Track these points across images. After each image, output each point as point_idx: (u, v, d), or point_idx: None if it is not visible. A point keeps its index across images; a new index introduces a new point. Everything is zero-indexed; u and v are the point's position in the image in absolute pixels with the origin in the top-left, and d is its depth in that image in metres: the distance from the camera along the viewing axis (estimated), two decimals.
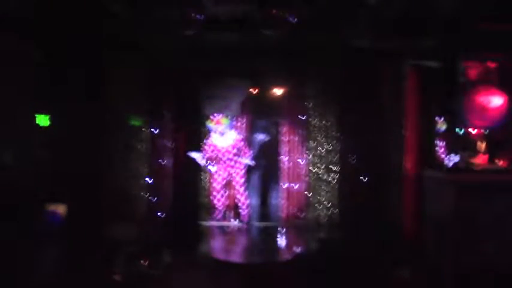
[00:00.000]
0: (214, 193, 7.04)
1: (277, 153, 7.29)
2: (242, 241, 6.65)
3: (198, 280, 4.78)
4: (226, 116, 6.84)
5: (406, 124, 6.07)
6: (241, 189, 7.03)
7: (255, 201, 7.84)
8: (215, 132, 6.84)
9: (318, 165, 6.83)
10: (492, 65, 5.30)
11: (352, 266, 4.93)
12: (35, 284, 4.42)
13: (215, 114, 6.80)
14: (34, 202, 5.23)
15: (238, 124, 7.40)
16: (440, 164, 5.46)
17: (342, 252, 5.42)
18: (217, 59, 6.26)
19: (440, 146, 5.99)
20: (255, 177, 7.92)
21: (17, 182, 5.11)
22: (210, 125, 6.81)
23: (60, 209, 5.16)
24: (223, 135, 6.84)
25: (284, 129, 7.17)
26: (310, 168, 6.89)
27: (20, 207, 5.00)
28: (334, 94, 6.70)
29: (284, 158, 7.16)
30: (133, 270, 4.91)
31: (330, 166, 6.78)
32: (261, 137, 7.91)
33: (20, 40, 5.20)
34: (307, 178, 6.97)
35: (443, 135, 5.85)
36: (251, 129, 7.74)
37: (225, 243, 6.45)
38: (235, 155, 6.92)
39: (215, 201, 7.04)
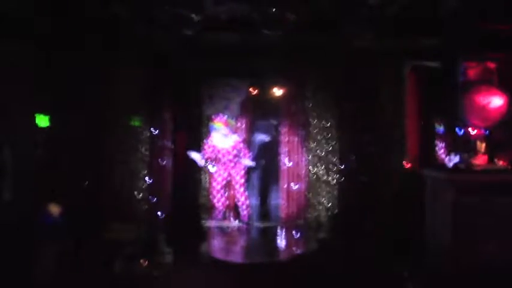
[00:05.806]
0: (214, 193, 7.03)
1: (277, 154, 7.28)
2: (242, 241, 6.64)
3: (198, 280, 4.77)
4: (231, 118, 6.85)
5: (406, 124, 6.08)
6: (241, 190, 7.02)
7: (255, 201, 7.85)
8: (219, 133, 6.82)
9: (318, 165, 6.82)
10: (492, 65, 5.30)
11: (352, 266, 4.92)
12: (35, 284, 4.42)
13: (220, 115, 6.80)
14: (34, 202, 5.23)
15: (238, 124, 7.39)
16: (440, 164, 5.46)
17: (341, 252, 5.41)
18: (217, 59, 6.25)
19: (440, 146, 6.00)
20: (255, 178, 7.93)
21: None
22: (216, 126, 6.78)
23: (55, 209, 5.15)
24: (227, 136, 6.83)
25: (284, 129, 7.15)
26: (310, 168, 6.88)
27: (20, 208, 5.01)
28: (334, 94, 6.69)
29: (284, 159, 7.15)
30: (133, 270, 4.91)
31: (330, 166, 6.77)
32: (261, 137, 7.91)
33: (20, 40, 5.20)
34: (307, 178, 6.95)
35: (443, 136, 5.86)
36: (251, 130, 7.74)
37: (225, 243, 6.45)
38: (235, 155, 6.92)
39: (215, 202, 7.03)
